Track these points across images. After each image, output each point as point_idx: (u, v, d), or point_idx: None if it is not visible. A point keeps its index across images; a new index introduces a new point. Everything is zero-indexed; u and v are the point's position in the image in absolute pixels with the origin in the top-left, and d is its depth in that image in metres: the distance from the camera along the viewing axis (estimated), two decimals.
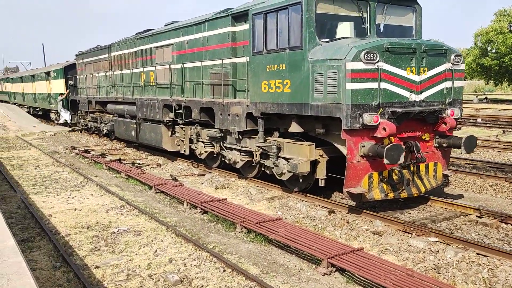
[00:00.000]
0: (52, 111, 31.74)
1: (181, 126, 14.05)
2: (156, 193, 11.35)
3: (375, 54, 7.89)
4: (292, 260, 6.93)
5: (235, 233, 8.12)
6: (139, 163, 15.57)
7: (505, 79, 49.05)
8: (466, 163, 13.52)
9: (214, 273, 6.31)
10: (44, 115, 34.99)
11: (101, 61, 21.39)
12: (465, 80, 8.97)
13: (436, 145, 9.14)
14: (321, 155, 9.50)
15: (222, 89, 11.89)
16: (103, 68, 21.03)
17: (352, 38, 9.00)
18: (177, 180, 12.71)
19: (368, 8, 9.22)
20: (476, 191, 10.81)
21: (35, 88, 34.92)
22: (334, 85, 8.09)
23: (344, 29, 9.12)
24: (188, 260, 6.79)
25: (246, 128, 10.70)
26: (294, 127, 9.46)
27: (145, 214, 9.16)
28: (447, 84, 8.90)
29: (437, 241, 7.26)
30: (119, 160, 15.84)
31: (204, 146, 12.95)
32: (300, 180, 9.64)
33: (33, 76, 35.77)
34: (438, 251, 6.89)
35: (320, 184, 9.61)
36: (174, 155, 15.75)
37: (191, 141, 13.67)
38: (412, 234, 7.63)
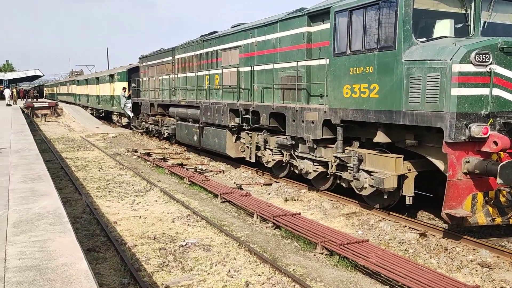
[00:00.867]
0: (114, 113, 32.33)
1: (247, 132, 13.35)
2: (222, 202, 10.68)
3: (487, 55, 6.77)
4: None
5: (315, 254, 7.23)
6: (201, 169, 15.04)
7: None
8: None
9: None
10: (106, 117, 35.79)
11: (164, 64, 21.27)
12: None
13: None
14: (409, 170, 8.43)
15: (295, 93, 11.06)
16: (167, 71, 20.88)
17: (454, 37, 7.88)
18: (242, 189, 12.00)
19: (473, 3, 8.07)
20: None
21: (99, 90, 35.83)
22: (435, 91, 7.03)
23: (443, 28, 8.02)
24: (267, 285, 5.98)
25: (322, 136, 9.80)
26: (380, 137, 8.44)
27: (214, 226, 8.47)
28: None
29: None
30: (181, 165, 15.40)
31: (272, 154, 12.16)
32: (385, 197, 8.59)
33: (97, 78, 36.74)
34: None
35: (406, 202, 8.53)
36: (236, 162, 15.10)
37: (257, 148, 12.94)
38: None
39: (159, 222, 8.88)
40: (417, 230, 8.23)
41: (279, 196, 11.25)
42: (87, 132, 28.08)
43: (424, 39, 7.81)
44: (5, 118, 25.81)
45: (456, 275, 6.41)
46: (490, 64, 6.80)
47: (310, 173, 10.63)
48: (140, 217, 9.19)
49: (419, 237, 7.87)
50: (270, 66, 12.20)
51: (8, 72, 72.80)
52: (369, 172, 8.85)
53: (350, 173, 9.29)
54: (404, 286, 5.84)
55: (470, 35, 8.13)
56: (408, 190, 8.44)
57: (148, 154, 17.89)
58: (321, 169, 10.37)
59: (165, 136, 21.11)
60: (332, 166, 9.90)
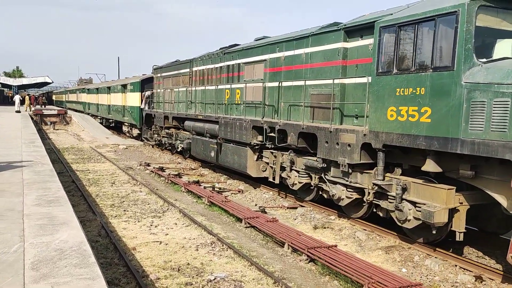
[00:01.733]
0: (125, 123, 31.73)
1: (271, 151, 12.60)
2: (246, 227, 9.88)
3: None
4: None
5: None
6: (219, 188, 14.26)
7: None
8: None
9: None
10: (115, 127, 35.18)
11: (181, 76, 20.64)
12: None
13: None
14: (461, 203, 7.62)
15: (327, 113, 10.33)
16: (183, 83, 20.25)
17: None
18: (266, 213, 11.22)
19: None
20: None
21: (110, 100, 35.29)
22: (503, 118, 6.26)
23: (504, 48, 7.28)
24: None
25: (359, 161, 9.02)
26: (430, 166, 7.65)
27: (243, 258, 7.67)
28: None
29: None
30: (198, 183, 14.64)
31: (299, 176, 11.38)
32: (433, 232, 7.77)
33: (109, 88, 36.25)
34: None
35: (457, 239, 7.70)
36: (256, 181, 14.32)
37: (282, 168, 12.17)
38: None
39: (181, 249, 8.09)
40: (470, 271, 7.38)
41: (307, 223, 10.44)
42: (97, 142, 27.44)
43: (485, 59, 7.07)
44: (15, 126, 25.22)
45: None
46: None
47: (342, 199, 9.83)
48: (161, 242, 8.41)
49: (475, 281, 7.03)
50: (299, 83, 11.50)
51: (18, 78, 72.83)
52: (414, 203, 8.04)
53: (391, 202, 8.48)
54: None
55: None
56: (459, 225, 7.63)
57: (162, 169, 17.17)
58: (355, 195, 9.56)
59: (178, 150, 20.40)
60: (369, 193, 9.10)
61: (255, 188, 14.22)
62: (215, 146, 15.62)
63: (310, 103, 11.01)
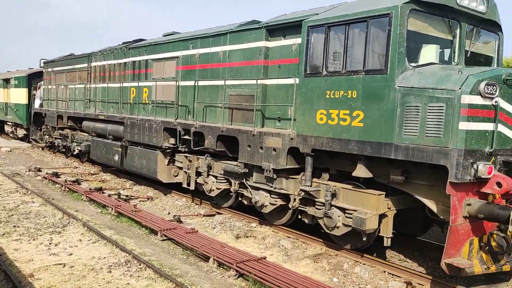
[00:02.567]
0: (8, 123, 28.28)
1: (186, 155, 11.73)
2: (163, 240, 8.95)
3: (494, 87, 6.13)
4: None
5: None
6: (126, 196, 13.00)
7: None
8: None
9: None
10: None
11: (77, 71, 18.72)
12: None
13: None
14: (389, 208, 7.55)
15: (248, 115, 9.80)
16: (80, 79, 18.38)
17: (444, 64, 7.24)
18: (181, 222, 10.36)
19: (459, 30, 7.53)
20: None
21: None
22: (438, 123, 6.21)
23: (429, 53, 7.35)
24: None
25: (286, 166, 8.61)
26: (361, 171, 7.47)
27: (166, 278, 6.77)
28: None
29: None
30: (101, 190, 13.21)
31: (217, 182, 10.68)
32: (364, 239, 7.60)
33: None
34: None
35: (385, 244, 7.63)
36: (166, 187, 13.32)
37: (197, 173, 11.37)
38: None
39: (91, 272, 6.94)
40: (399, 277, 7.33)
41: (227, 231, 9.80)
42: None
43: (414, 64, 7.04)
44: None
45: None
46: (496, 96, 6.16)
47: (266, 206, 9.35)
48: (64, 265, 7.15)
49: (406, 287, 6.96)
50: (216, 82, 10.83)
51: None
52: (343, 210, 7.82)
53: (319, 209, 8.19)
54: None
55: (455, 63, 7.58)
56: (387, 230, 7.55)
57: (57, 175, 15.29)
58: (280, 202, 9.14)
59: (75, 153, 18.46)
60: (294, 200, 8.74)
61: (165, 195, 13.21)
62: (120, 149, 14.28)
63: (229, 104, 10.39)
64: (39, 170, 16.33)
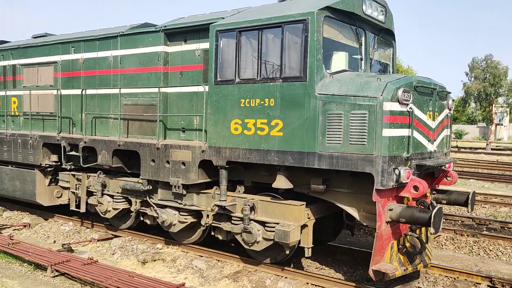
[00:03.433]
0: None
1: (73, 173, 10.32)
2: (55, 276, 7.64)
3: (409, 94, 6.31)
4: None
5: None
6: None
7: None
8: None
9: None
10: None
11: None
12: None
13: (434, 202, 7.87)
14: (309, 218, 7.41)
15: (152, 126, 8.95)
16: None
17: (355, 71, 7.33)
18: (73, 251, 9.07)
19: (364, 38, 7.71)
20: (463, 251, 9.94)
21: None
22: (362, 131, 6.19)
23: (339, 60, 7.39)
24: None
25: (197, 180, 7.97)
26: (281, 182, 7.18)
27: None
28: (446, 132, 7.81)
29: None
30: None
31: (114, 202, 9.56)
32: (287, 252, 7.33)
33: None
34: None
35: (306, 255, 7.47)
36: (46, 210, 11.64)
37: (89, 193, 10.07)
38: None
39: None
40: (323, 287, 7.21)
41: (130, 257, 8.79)
42: None
43: (329, 71, 6.98)
44: None
45: None
46: (411, 103, 6.36)
47: (174, 225, 8.58)
48: None
49: None
50: (107, 91, 9.74)
51: None
52: (263, 223, 7.47)
53: (235, 224, 7.72)
54: None
55: (363, 70, 7.75)
56: (308, 241, 7.39)
57: None
58: (190, 219, 8.46)
59: None
60: (208, 216, 8.15)
61: (47, 220, 11.55)
62: None
63: (123, 115, 9.37)
64: None
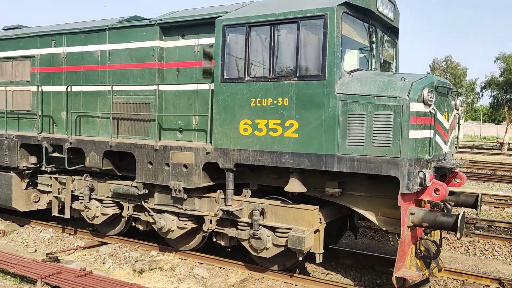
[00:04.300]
0: None
1: (56, 176, 9.58)
2: None
3: (433, 94, 6.12)
4: None
5: None
6: None
7: None
8: None
9: None
10: None
11: None
12: None
13: (447, 204, 7.72)
14: (320, 222, 7.12)
15: (146, 126, 8.41)
16: None
17: (373, 71, 7.09)
18: (59, 260, 8.39)
19: (375, 36, 7.48)
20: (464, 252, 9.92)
21: None
22: (387, 132, 5.94)
23: (352, 59, 7.13)
24: None
25: (201, 184, 7.50)
26: (294, 186, 6.84)
27: None
28: (454, 132, 7.72)
29: None
30: None
31: (103, 207, 8.93)
32: (300, 258, 7.00)
33: None
34: None
35: (317, 261, 7.17)
36: (23, 216, 10.80)
37: (73, 197, 9.36)
38: None
39: None
40: None
41: (124, 266, 8.22)
42: None
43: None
44: None
45: None
46: (433, 103, 6.18)
47: (173, 231, 8.08)
48: None
49: None
50: (94, 88, 9.10)
51: None
52: (272, 229, 7.11)
53: (242, 230, 7.32)
54: None
55: (373, 69, 7.52)
56: (319, 246, 7.09)
57: None
58: (191, 225, 7.98)
59: None
60: (210, 221, 7.70)
61: (22, 226, 10.70)
62: None
63: (113, 114, 8.75)
64: None
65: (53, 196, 9.61)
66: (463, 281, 7.66)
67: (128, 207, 8.64)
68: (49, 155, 9.36)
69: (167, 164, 7.75)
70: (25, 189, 10.20)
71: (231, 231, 7.49)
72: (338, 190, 6.69)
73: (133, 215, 8.69)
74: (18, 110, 10.34)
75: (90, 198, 9.03)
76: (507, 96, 44.51)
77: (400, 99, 5.85)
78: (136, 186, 8.21)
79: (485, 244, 9.93)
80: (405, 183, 5.85)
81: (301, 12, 6.49)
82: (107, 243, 9.36)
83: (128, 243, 9.24)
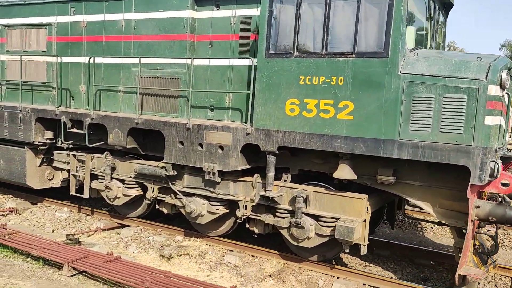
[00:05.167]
0: None
1: (74, 153, 8.99)
2: (72, 275, 6.48)
3: (509, 77, 5.55)
4: None
5: None
6: None
7: None
8: None
9: None
10: None
11: None
12: None
13: (506, 197, 7.17)
14: (367, 211, 6.61)
15: (171, 103, 7.81)
16: None
17: (426, 49, 6.50)
18: (80, 243, 7.88)
19: (433, 11, 6.87)
20: None
21: None
22: (458, 117, 5.39)
23: (409, 36, 6.51)
24: None
25: (238, 167, 6.95)
26: (345, 172, 6.30)
27: None
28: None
29: None
30: None
31: (125, 187, 8.38)
32: (347, 250, 6.51)
33: None
34: None
35: (362, 253, 6.68)
36: (35, 193, 10.26)
37: (93, 176, 8.80)
38: None
39: None
40: None
41: (149, 250, 7.73)
42: None
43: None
44: None
45: None
46: (508, 87, 5.62)
47: (203, 216, 7.56)
48: None
49: None
50: (117, 60, 8.46)
51: None
52: (316, 217, 6.60)
53: (282, 217, 6.80)
54: None
55: (429, 48, 6.93)
56: (364, 237, 6.60)
57: None
58: (223, 210, 7.47)
59: None
60: (245, 207, 7.18)
61: (35, 204, 10.16)
62: None
63: (140, 89, 8.13)
64: None
65: (72, 174, 9.03)
66: (511, 277, 7.23)
67: (153, 188, 8.09)
68: (68, 130, 8.76)
69: (201, 145, 7.17)
70: (39, 165, 9.62)
71: (268, 218, 6.97)
72: (392, 178, 6.17)
73: (158, 197, 8.14)
74: (32, 81, 9.69)
75: (111, 178, 8.47)
76: None
77: (477, 81, 5.29)
78: (163, 167, 7.65)
79: None
80: (477, 174, 5.33)
81: None
82: (127, 226, 8.84)
83: (150, 226, 8.72)
